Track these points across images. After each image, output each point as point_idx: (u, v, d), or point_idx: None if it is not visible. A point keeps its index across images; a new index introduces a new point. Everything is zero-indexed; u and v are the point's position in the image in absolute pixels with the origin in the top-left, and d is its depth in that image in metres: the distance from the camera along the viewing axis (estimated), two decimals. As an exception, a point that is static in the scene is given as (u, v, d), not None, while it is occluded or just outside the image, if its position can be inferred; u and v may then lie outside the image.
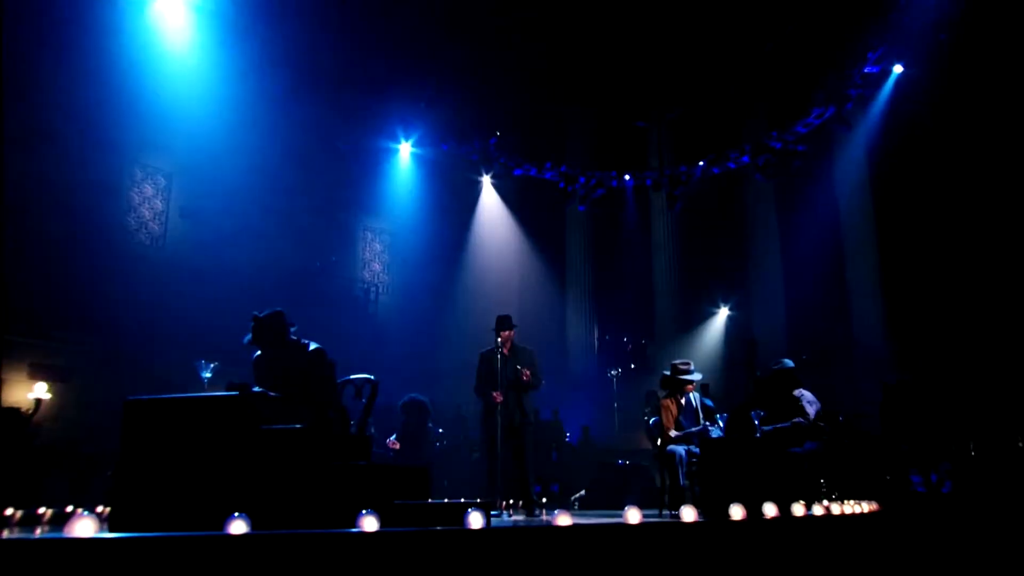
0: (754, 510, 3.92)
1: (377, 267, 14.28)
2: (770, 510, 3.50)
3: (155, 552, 1.95)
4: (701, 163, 12.36)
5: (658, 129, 13.93)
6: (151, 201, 11.39)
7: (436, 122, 12.59)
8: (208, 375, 4.21)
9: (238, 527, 2.12)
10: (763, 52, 11.36)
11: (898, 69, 11.12)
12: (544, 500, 7.88)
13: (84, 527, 1.97)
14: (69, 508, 5.72)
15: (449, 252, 14.05)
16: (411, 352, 12.36)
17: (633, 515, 2.80)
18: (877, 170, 12.49)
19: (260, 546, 2.10)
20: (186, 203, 11.37)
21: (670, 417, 6.54)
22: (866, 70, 10.63)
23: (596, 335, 14.79)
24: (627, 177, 12.99)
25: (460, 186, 14.13)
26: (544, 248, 14.60)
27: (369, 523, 2.26)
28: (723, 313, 14.78)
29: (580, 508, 9.31)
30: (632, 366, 11.07)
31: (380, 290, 13.98)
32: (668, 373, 6.70)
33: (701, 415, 6.68)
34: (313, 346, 4.64)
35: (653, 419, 7.20)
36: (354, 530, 2.28)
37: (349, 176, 13.03)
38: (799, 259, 13.30)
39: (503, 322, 7.06)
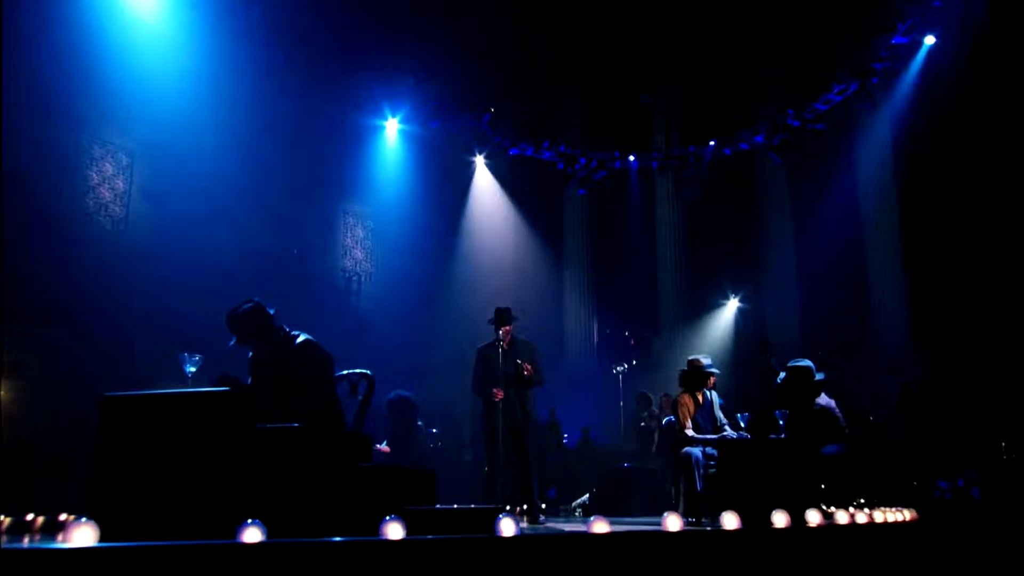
0: (790, 517, 3.91)
1: (359, 255, 14.17)
2: (814, 518, 3.50)
3: (166, 562, 1.89)
4: (711, 143, 12.34)
5: (664, 105, 13.87)
6: (111, 181, 11.18)
7: (425, 97, 12.47)
8: (192, 369, 4.13)
9: (253, 535, 2.07)
10: (778, 20, 11.27)
11: (930, 40, 11.02)
12: (543, 506, 7.89)
13: (83, 535, 1.90)
14: (29, 516, 5.61)
15: (439, 239, 13.96)
16: (397, 346, 12.30)
17: (673, 522, 2.77)
18: (903, 152, 12.47)
19: (279, 555, 2.04)
20: (150, 184, 11.14)
21: (687, 413, 6.54)
22: (894, 41, 10.57)
23: (596, 329, 14.79)
24: (631, 158, 12.95)
25: (451, 167, 14.00)
26: (541, 234, 14.56)
27: (394, 530, 2.21)
28: (732, 305, 14.81)
29: (584, 515, 9.30)
30: (634, 362, 11.05)
31: (363, 279, 13.88)
32: (686, 369, 6.71)
33: (719, 413, 6.69)
34: (301, 338, 4.59)
35: (667, 419, 7.20)
36: (379, 537, 2.23)
37: (329, 156, 12.84)
38: (815, 248, 13.30)
39: (502, 315, 7.06)
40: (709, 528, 3.02)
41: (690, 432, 6.48)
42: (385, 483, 3.75)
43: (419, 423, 8.26)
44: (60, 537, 2.05)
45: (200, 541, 1.98)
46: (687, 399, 6.64)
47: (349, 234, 14.21)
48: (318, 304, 12.04)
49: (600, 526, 2.60)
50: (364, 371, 4.98)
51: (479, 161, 14.04)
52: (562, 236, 14.87)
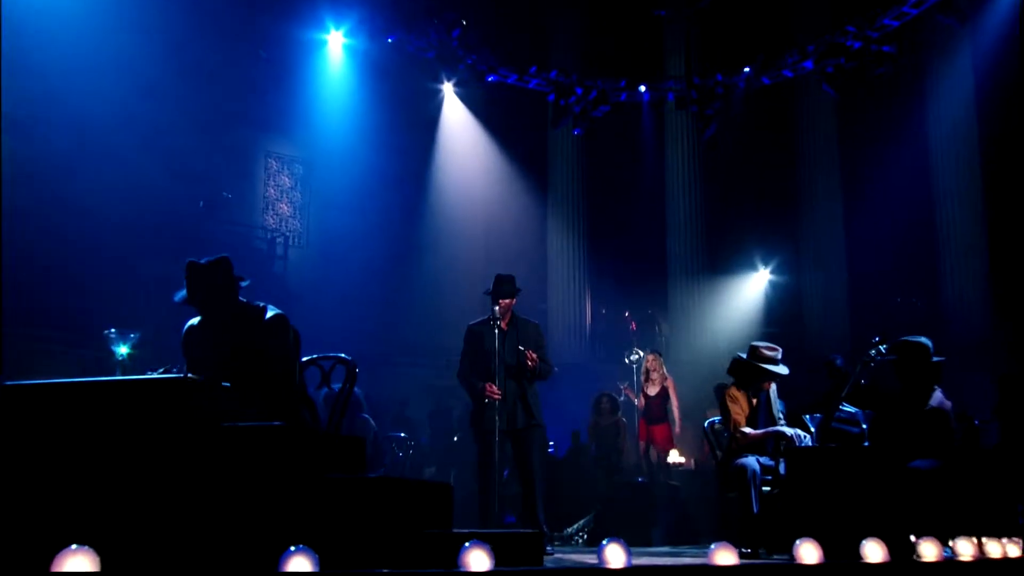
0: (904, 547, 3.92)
1: (285, 209, 14.15)
2: (965, 549, 3.50)
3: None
4: (746, 69, 12.28)
5: (684, 21, 13.79)
6: (-53, 107, 10.91)
7: (379, 4, 12.25)
8: (127, 350, 3.96)
9: (299, 564, 1.94)
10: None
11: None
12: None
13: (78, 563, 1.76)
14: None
15: (393, 190, 13.85)
16: (335, 328, 12.15)
17: (809, 552, 2.71)
18: (991, 88, 12.50)
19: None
20: (4, 110, 10.85)
21: (740, 411, 6.49)
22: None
23: (589, 307, 14.78)
24: (641, 89, 12.87)
25: (412, 97, 13.88)
26: (526, 186, 14.53)
27: (479, 559, 2.10)
28: (762, 276, 14.96)
29: (589, 544, 9.29)
30: (638, 352, 10.93)
31: (290, 241, 13.81)
32: (744, 356, 6.66)
33: (779, 413, 6.66)
34: (272, 311, 4.55)
35: (709, 421, 7.16)
36: (458, 570, 2.12)
37: (248, 80, 12.69)
38: (870, 207, 13.39)
39: (503, 284, 6.95)
40: (850, 562, 2.97)
41: (748, 429, 6.44)
42: (391, 499, 3.64)
43: (364, 415, 8.26)
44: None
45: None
46: (738, 393, 6.58)
47: (272, 182, 14.10)
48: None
49: (725, 556, 2.52)
50: (340, 355, 4.96)
51: (447, 90, 13.87)
52: (547, 189, 14.81)
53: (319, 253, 13.92)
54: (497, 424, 6.68)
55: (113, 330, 4.04)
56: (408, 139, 14.02)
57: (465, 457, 11.27)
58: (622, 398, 10.75)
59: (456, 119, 14.12)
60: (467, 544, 2.21)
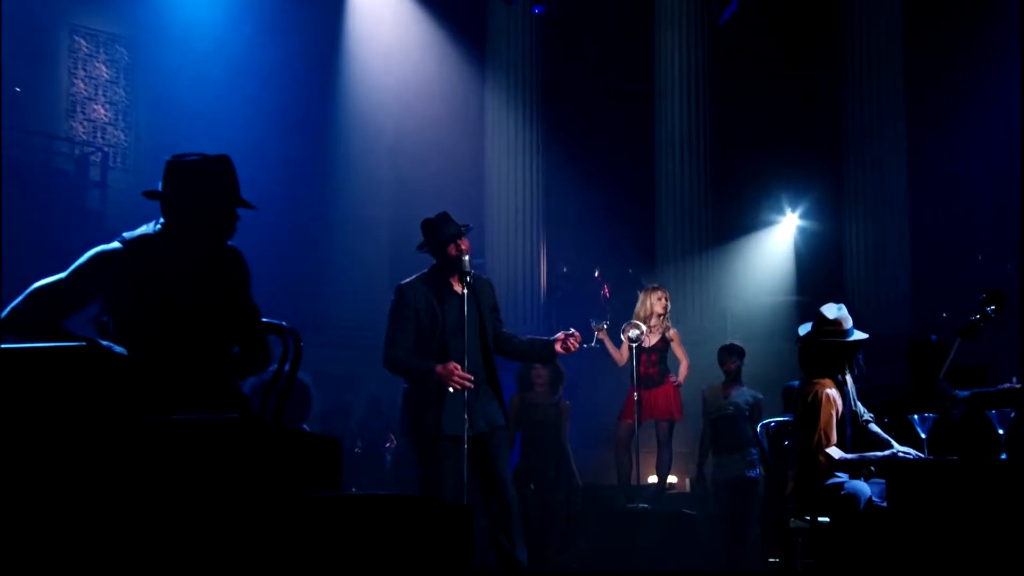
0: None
1: (102, 112, 14.19)
2: None
3: None
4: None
5: None
6: None
7: None
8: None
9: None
10: None
11: None
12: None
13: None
14: None
15: (263, 86, 13.87)
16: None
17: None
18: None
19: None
20: None
21: (833, 417, 6.50)
22: None
23: (544, 264, 14.89)
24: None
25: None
26: (457, 84, 14.63)
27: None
28: (790, 222, 15.27)
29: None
30: (639, 328, 10.85)
31: (110, 160, 13.86)
32: (814, 338, 6.67)
33: (862, 408, 6.72)
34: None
35: (763, 424, 7.20)
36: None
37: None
38: (940, 144, 13.62)
39: (450, 224, 6.79)
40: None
41: (836, 452, 6.48)
42: (410, 531, 3.70)
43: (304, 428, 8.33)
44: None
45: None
46: (835, 390, 6.56)
47: (81, 72, 14.19)
48: (24, 205, 12.02)
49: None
50: (277, 322, 4.98)
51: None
52: (485, 91, 14.81)
53: (153, 178, 13.66)
54: (466, 426, 6.66)
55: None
56: (292, 10, 14.06)
57: (372, 471, 11.34)
58: (594, 343, 10.60)
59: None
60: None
